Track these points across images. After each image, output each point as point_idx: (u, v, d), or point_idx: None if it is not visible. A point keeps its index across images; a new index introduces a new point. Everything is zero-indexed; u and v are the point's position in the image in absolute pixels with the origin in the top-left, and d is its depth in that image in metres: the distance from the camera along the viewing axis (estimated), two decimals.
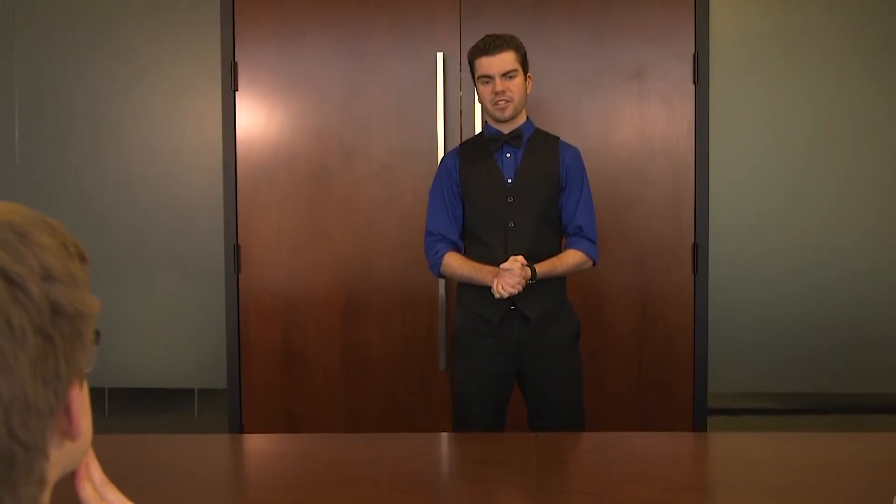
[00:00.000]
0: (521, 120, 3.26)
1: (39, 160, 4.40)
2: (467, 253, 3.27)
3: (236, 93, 4.05)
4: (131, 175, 4.38)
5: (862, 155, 4.25)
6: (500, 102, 3.15)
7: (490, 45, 3.13)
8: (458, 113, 3.97)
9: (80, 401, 0.86)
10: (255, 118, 4.05)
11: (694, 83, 3.92)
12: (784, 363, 4.32)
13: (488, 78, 3.15)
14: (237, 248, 4.06)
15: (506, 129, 3.24)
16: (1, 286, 0.76)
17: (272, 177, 4.04)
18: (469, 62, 3.24)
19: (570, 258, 3.21)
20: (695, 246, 3.95)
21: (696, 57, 3.91)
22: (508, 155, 3.23)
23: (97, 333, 0.89)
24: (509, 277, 3.01)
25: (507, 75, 3.13)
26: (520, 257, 3.05)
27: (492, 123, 3.28)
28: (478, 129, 3.88)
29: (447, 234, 3.27)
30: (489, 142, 3.25)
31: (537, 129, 3.32)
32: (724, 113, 4.20)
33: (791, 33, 4.25)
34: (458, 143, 3.88)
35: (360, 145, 4.01)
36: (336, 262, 4.04)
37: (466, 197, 3.26)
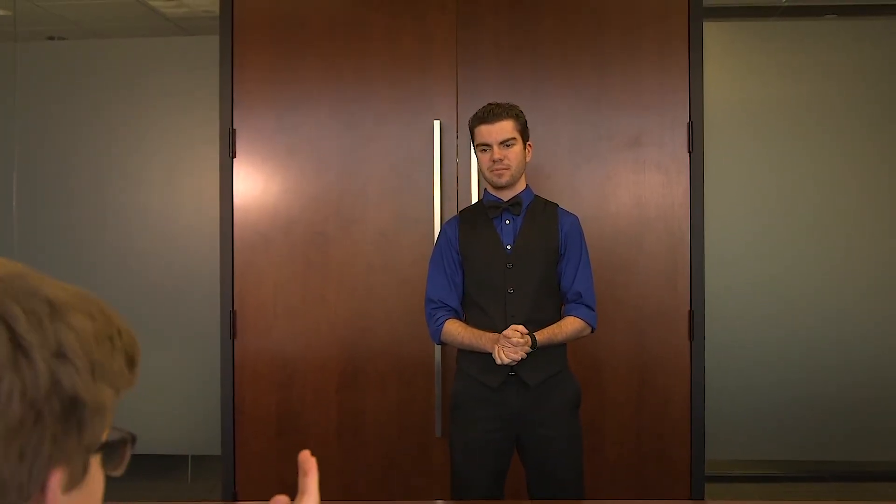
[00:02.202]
0: (521, 187, 3.27)
1: (37, 225, 4.42)
2: (467, 319, 3.26)
3: (234, 159, 4.07)
4: (129, 239, 4.40)
5: (859, 222, 4.27)
6: (498, 169, 3.17)
7: (489, 114, 3.15)
8: (454, 180, 4.00)
9: (62, 486, 0.80)
10: (252, 184, 4.07)
11: (689, 151, 3.95)
12: (782, 430, 4.30)
13: (486, 146, 3.17)
14: (233, 314, 4.05)
15: (505, 196, 3.25)
16: (7, 348, 0.75)
17: (269, 242, 4.05)
18: (469, 129, 3.26)
19: (570, 326, 3.20)
20: (691, 313, 3.95)
21: (690, 126, 3.95)
22: (508, 222, 3.24)
23: (132, 438, 0.86)
24: (509, 346, 3.00)
25: (505, 143, 3.14)
26: (520, 327, 3.03)
27: (491, 191, 3.29)
28: (474, 197, 3.90)
29: (447, 302, 3.25)
30: (488, 209, 3.26)
31: (536, 196, 3.33)
32: (720, 180, 4.24)
33: (788, 101, 4.31)
34: (454, 210, 3.90)
35: (358, 212, 4.03)
36: (333, 329, 4.03)
37: (466, 264, 3.26)
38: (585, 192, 3.98)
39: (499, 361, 3.00)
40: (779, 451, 4.36)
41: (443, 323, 3.22)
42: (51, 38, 5.86)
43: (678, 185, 3.96)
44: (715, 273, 4.13)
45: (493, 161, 3.16)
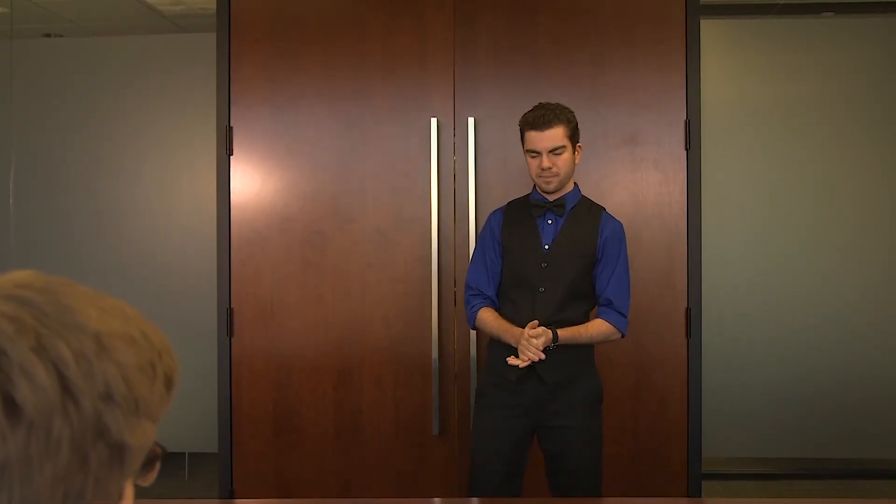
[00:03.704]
0: (568, 188, 3.28)
1: (34, 223, 4.41)
2: (499, 310, 3.30)
3: (231, 157, 4.06)
4: (125, 237, 4.39)
5: (857, 220, 4.28)
6: (546, 177, 3.17)
7: (540, 120, 3.13)
8: (451, 179, 3.99)
9: None
10: (249, 182, 4.06)
11: (686, 149, 3.95)
12: (779, 428, 4.30)
13: (536, 153, 3.16)
14: (230, 312, 4.05)
15: (551, 196, 3.26)
16: (57, 392, 0.74)
17: (266, 241, 4.05)
18: (520, 130, 3.24)
19: (596, 328, 3.23)
20: (688, 310, 3.95)
21: (687, 124, 3.94)
22: (550, 221, 3.26)
23: (163, 452, 0.86)
24: (527, 346, 3.02)
25: (554, 151, 3.14)
26: (534, 322, 3.05)
27: (538, 189, 3.29)
28: (472, 195, 3.91)
29: (484, 290, 3.32)
30: (533, 207, 3.28)
31: (584, 197, 3.34)
32: (717, 178, 4.24)
33: (785, 99, 4.31)
34: (451, 208, 3.92)
35: (355, 210, 4.03)
36: (329, 327, 4.03)
37: (505, 256, 3.30)
38: (583, 190, 3.97)
39: (517, 363, 3.02)
40: (776, 448, 4.37)
41: (477, 310, 3.29)
42: (47, 36, 5.85)
43: (675, 184, 3.96)
44: (712, 271, 4.13)
45: (542, 169, 3.16)
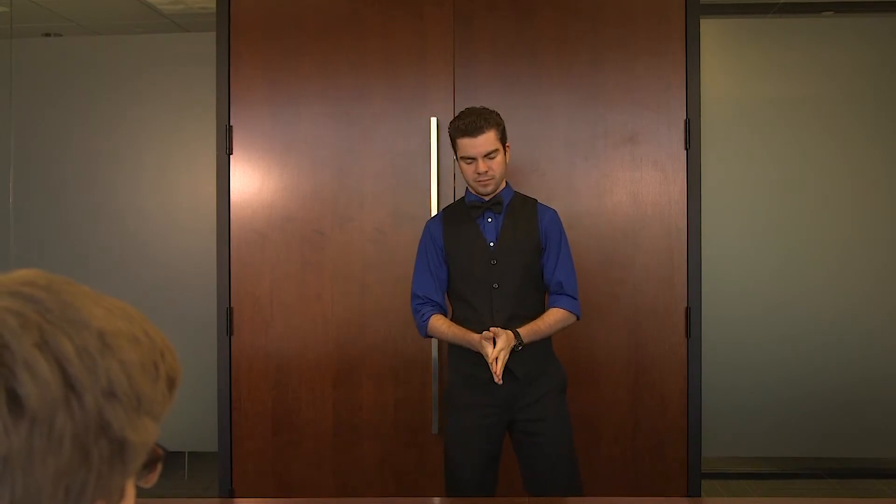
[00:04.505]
0: (501, 186, 3.33)
1: (33, 222, 4.41)
2: (455, 314, 3.32)
3: (231, 156, 4.06)
4: (125, 236, 4.39)
5: (856, 219, 4.28)
6: (483, 180, 3.22)
7: (471, 127, 3.17)
8: (451, 177, 3.99)
9: None
10: (249, 181, 4.06)
11: (686, 149, 3.95)
12: (778, 427, 4.30)
13: (471, 159, 3.20)
14: (230, 311, 4.05)
15: (487, 196, 3.30)
16: (60, 388, 0.75)
17: (266, 240, 4.05)
18: (450, 138, 3.28)
19: (552, 317, 3.25)
20: (688, 310, 3.95)
21: (687, 123, 3.94)
22: (490, 220, 3.30)
23: (165, 453, 0.87)
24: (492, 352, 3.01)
25: (488, 156, 3.19)
26: (497, 329, 3.04)
27: (472, 191, 3.33)
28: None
29: (432, 297, 3.33)
30: (471, 209, 3.32)
31: (516, 192, 3.39)
32: (717, 177, 4.24)
33: (785, 98, 4.30)
34: None
35: (354, 209, 4.03)
36: (329, 326, 4.03)
37: (451, 261, 3.33)
38: (582, 189, 3.98)
39: (497, 380, 3.01)
40: (775, 447, 4.37)
41: (428, 318, 3.31)
42: (47, 35, 5.85)
43: (675, 183, 3.96)
44: (711, 270, 4.13)
45: (479, 173, 3.20)
